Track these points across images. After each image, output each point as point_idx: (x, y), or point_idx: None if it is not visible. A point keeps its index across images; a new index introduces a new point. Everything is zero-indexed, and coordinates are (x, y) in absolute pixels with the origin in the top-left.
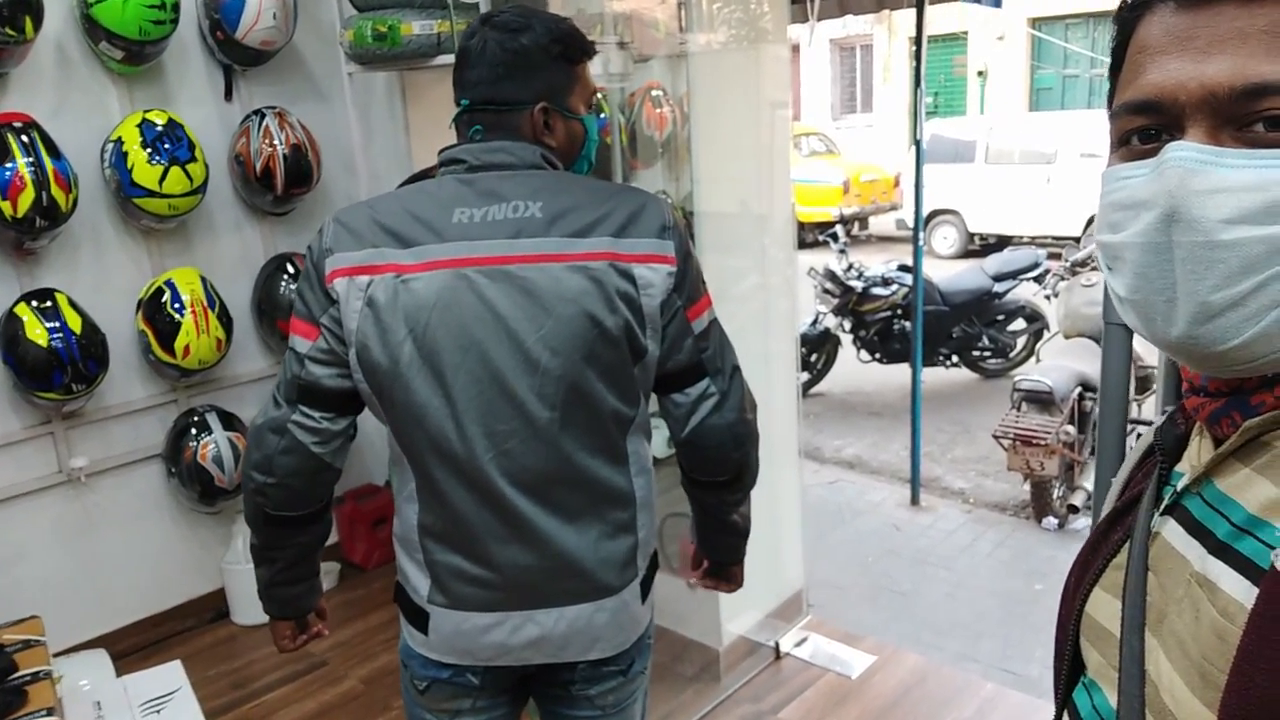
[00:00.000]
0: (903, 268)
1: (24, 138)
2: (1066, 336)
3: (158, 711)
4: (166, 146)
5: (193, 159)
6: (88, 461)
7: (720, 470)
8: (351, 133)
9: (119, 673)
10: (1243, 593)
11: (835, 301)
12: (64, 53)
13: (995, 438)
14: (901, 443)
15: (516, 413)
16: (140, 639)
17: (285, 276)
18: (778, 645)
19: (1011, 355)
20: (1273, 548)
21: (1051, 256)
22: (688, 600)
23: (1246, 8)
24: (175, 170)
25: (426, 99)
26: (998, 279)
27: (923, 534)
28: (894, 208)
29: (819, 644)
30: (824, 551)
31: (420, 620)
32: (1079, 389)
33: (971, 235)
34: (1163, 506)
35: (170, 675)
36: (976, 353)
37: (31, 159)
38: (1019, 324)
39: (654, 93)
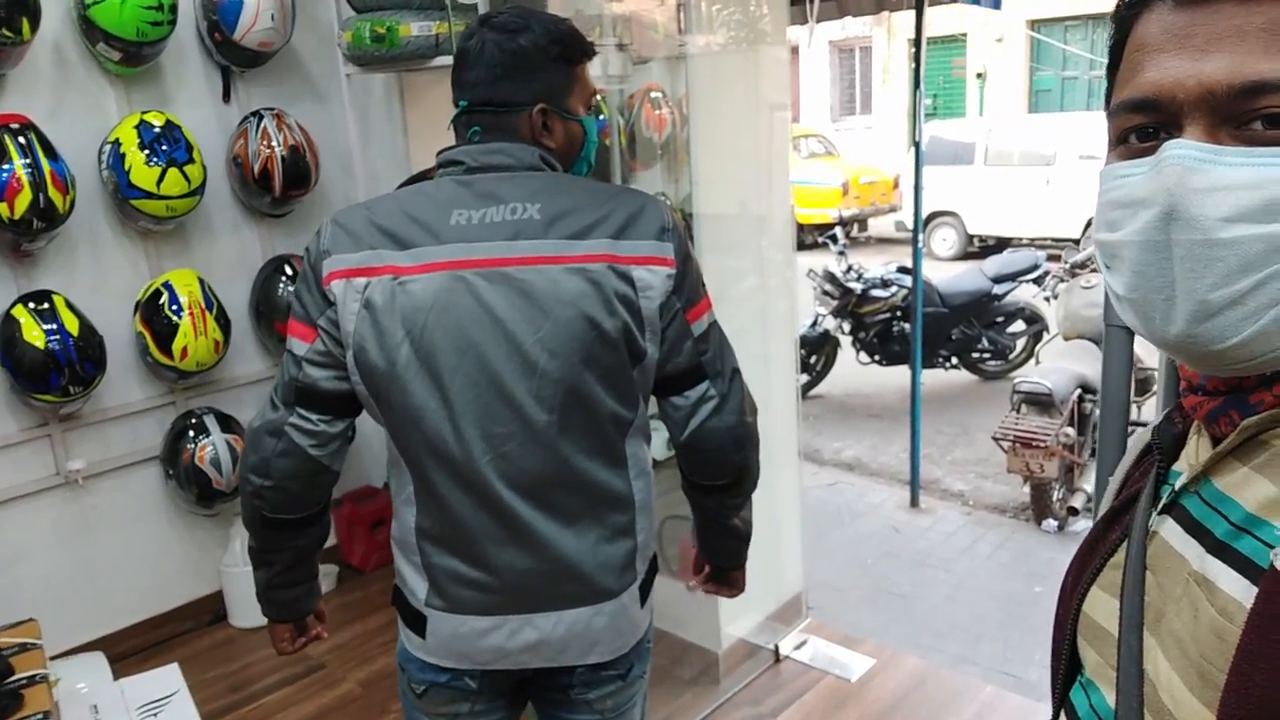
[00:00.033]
0: (902, 269)
1: (21, 139)
2: (1066, 338)
3: (155, 715)
4: (164, 148)
5: (190, 160)
6: (85, 464)
7: (720, 474)
8: (350, 134)
9: (116, 676)
10: (1241, 592)
11: (834, 303)
12: (61, 54)
13: (995, 440)
14: (901, 445)
15: (514, 415)
16: (138, 641)
17: (283, 278)
18: (777, 648)
19: (1011, 357)
20: (1272, 546)
21: (1051, 258)
22: (687, 603)
23: (1245, 6)
24: (173, 172)
25: (425, 100)
26: (997, 281)
27: (922, 536)
28: (893, 209)
29: (818, 647)
30: (823, 553)
31: (418, 623)
32: (1078, 391)
33: (971, 237)
34: (1161, 505)
35: (168, 678)
36: (976, 355)
37: (28, 160)
38: (1018, 326)
39: (653, 94)
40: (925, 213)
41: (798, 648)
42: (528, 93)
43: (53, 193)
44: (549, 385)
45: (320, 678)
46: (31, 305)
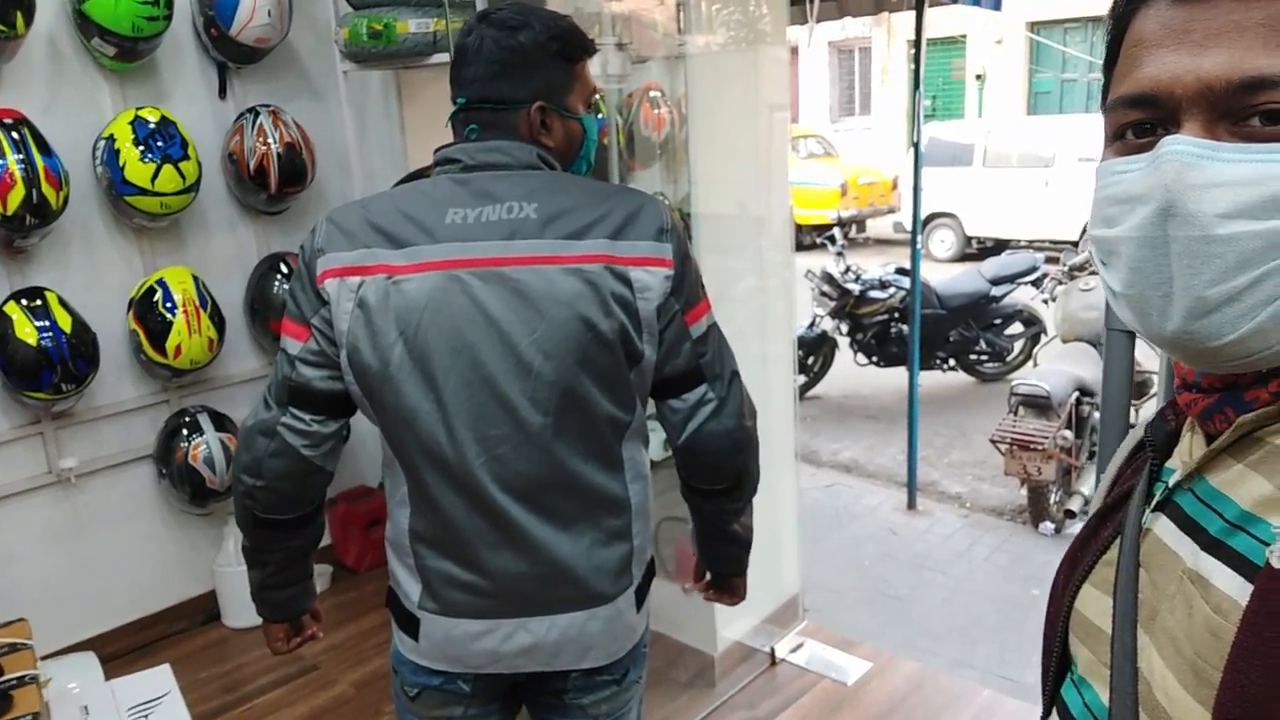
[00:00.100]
0: (900, 271)
1: (14, 134)
2: (1064, 341)
3: (146, 716)
4: (159, 144)
5: (185, 157)
6: (78, 462)
7: (718, 478)
8: (346, 132)
9: (109, 676)
10: (1236, 589)
11: (832, 304)
12: (56, 48)
13: (992, 442)
14: (898, 446)
15: (508, 417)
16: (131, 641)
17: (279, 276)
18: (773, 651)
19: (1009, 359)
20: (1267, 544)
21: (1049, 260)
22: (682, 605)
23: (1244, 1)
24: (168, 168)
25: (422, 98)
26: (995, 283)
27: (919, 538)
28: (892, 210)
29: (815, 650)
30: (820, 555)
31: (411, 626)
32: (1076, 394)
33: (969, 239)
34: (1154, 503)
35: (159, 679)
36: (974, 356)
37: (22, 156)
38: (1016, 328)
39: (652, 94)
40: (924, 214)
41: (794, 651)
42: (526, 90)
43: (46, 188)
44: (544, 387)
45: (314, 679)
46: (24, 302)
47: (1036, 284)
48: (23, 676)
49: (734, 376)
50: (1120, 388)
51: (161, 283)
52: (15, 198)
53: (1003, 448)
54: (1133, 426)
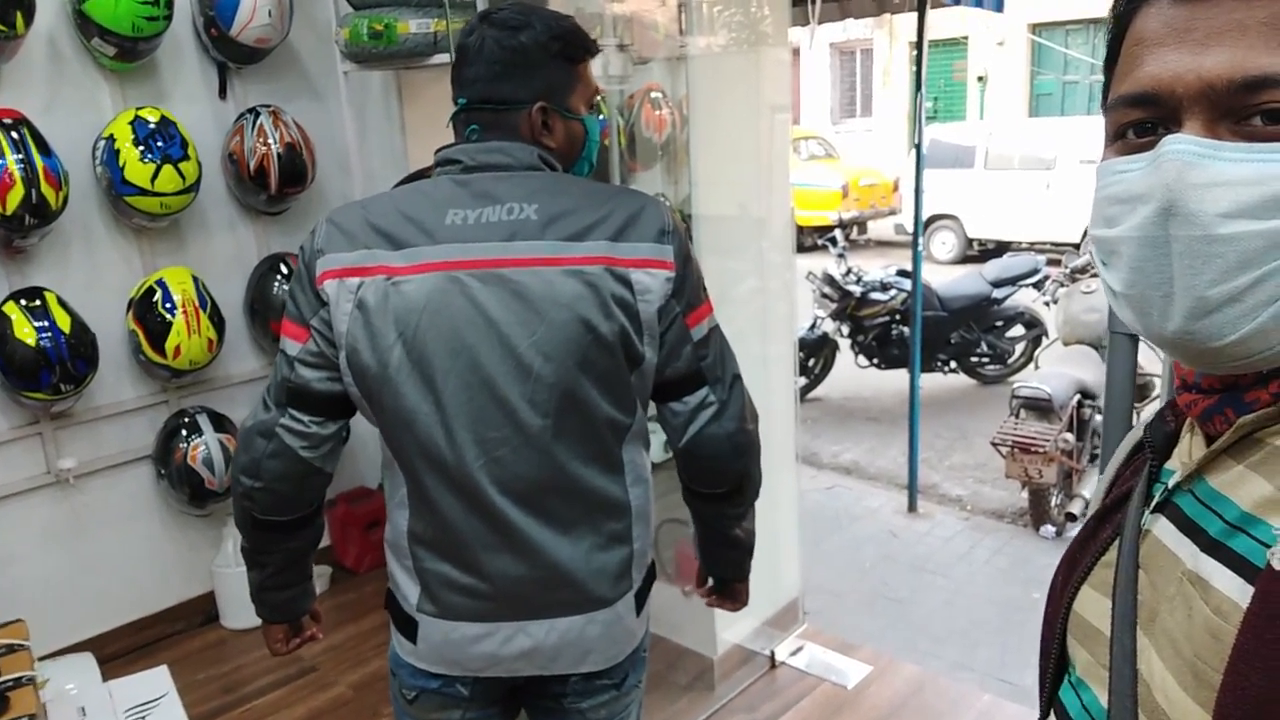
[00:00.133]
0: (901, 273)
1: (14, 134)
2: (1065, 343)
3: (144, 717)
4: (159, 144)
5: (185, 157)
6: (76, 463)
7: (719, 481)
8: (347, 132)
9: (107, 677)
10: (1237, 591)
11: (833, 306)
12: (55, 48)
13: (993, 445)
14: (899, 449)
15: (507, 420)
16: (129, 642)
17: (279, 277)
18: (773, 654)
19: (1010, 362)
20: (1267, 545)
21: (1051, 263)
22: (682, 608)
23: (1245, 0)
24: (168, 168)
25: (423, 98)
26: (997, 285)
27: (920, 541)
28: (893, 212)
29: (815, 653)
30: (820, 558)
31: (409, 629)
32: (1078, 396)
33: (970, 241)
34: (1153, 504)
35: (157, 680)
36: (975, 359)
37: (21, 156)
38: (1018, 330)
39: (653, 95)
40: (925, 216)
41: (794, 654)
42: (528, 90)
43: (45, 188)
44: (543, 389)
45: (312, 680)
46: (23, 302)
47: (1038, 286)
48: (20, 678)
49: (736, 380)
50: (1123, 391)
51: (161, 283)
52: (14, 198)
53: (1004, 450)
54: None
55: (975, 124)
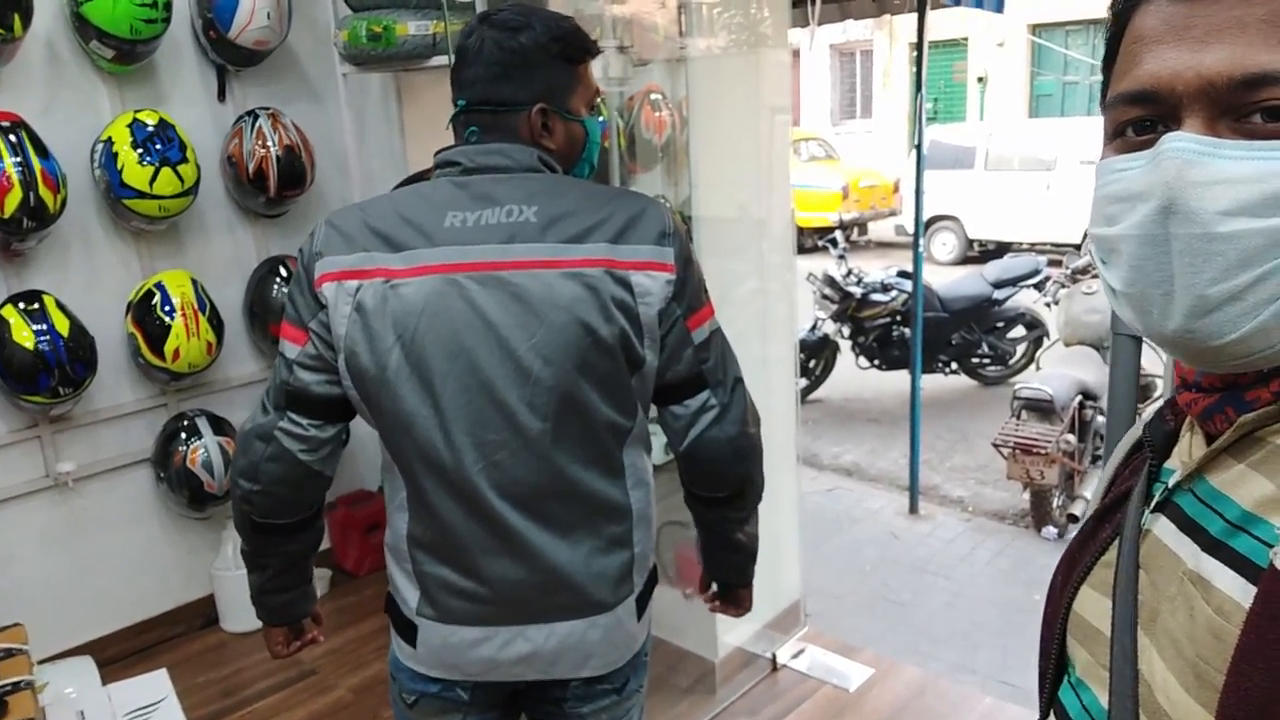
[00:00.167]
0: (902, 274)
1: (12, 137)
2: (1067, 344)
3: None
4: (157, 147)
5: (184, 160)
6: (75, 466)
7: (720, 485)
8: (345, 134)
9: (106, 680)
10: (1239, 591)
11: (834, 307)
12: (54, 51)
13: (995, 446)
14: (900, 450)
15: (507, 423)
16: (128, 645)
17: (278, 279)
18: (774, 657)
19: (1011, 363)
20: (1270, 545)
21: (1052, 263)
22: (683, 611)
23: None
24: (166, 171)
25: (422, 100)
26: (997, 286)
27: (921, 542)
28: (893, 213)
29: (816, 656)
30: (821, 560)
31: (409, 632)
32: (1079, 397)
33: (971, 242)
34: (1153, 503)
35: (156, 684)
36: (976, 360)
37: (19, 159)
38: (1019, 331)
39: (653, 96)
40: (925, 217)
41: (795, 656)
42: (527, 92)
43: (44, 191)
44: (543, 392)
45: (312, 683)
46: (21, 305)
47: (1039, 287)
48: (18, 682)
49: (737, 383)
50: (1126, 392)
51: (160, 286)
52: (12, 201)
53: (1005, 451)
54: None
55: (975, 125)
